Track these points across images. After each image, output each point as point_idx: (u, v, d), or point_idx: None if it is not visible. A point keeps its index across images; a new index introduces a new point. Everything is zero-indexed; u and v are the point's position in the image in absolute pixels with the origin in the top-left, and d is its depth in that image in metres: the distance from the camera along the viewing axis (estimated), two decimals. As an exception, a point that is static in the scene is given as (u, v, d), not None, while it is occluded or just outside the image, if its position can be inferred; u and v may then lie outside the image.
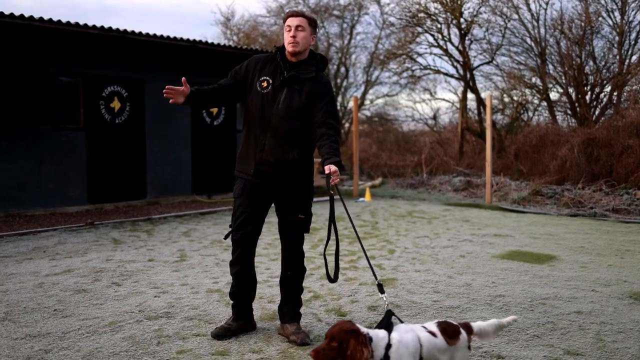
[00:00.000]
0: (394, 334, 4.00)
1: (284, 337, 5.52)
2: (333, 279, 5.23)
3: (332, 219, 5.18)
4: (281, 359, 5.01)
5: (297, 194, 5.51)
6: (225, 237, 5.69)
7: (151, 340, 5.43)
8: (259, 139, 5.39)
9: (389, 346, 3.96)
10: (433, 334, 4.06)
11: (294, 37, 5.36)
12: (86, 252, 9.46)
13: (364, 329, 3.95)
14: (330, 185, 5.02)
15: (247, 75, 5.60)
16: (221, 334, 5.52)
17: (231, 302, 5.76)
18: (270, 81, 5.44)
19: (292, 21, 5.38)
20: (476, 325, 4.15)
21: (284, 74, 5.42)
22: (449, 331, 4.08)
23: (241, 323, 5.66)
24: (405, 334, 4.02)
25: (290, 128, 5.36)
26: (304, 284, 5.83)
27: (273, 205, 5.62)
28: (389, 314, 4.20)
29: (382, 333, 4.02)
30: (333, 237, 5.20)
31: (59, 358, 4.99)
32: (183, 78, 5.50)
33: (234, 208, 5.62)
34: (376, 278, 4.76)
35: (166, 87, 5.32)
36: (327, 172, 5.02)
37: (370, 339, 3.92)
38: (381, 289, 4.58)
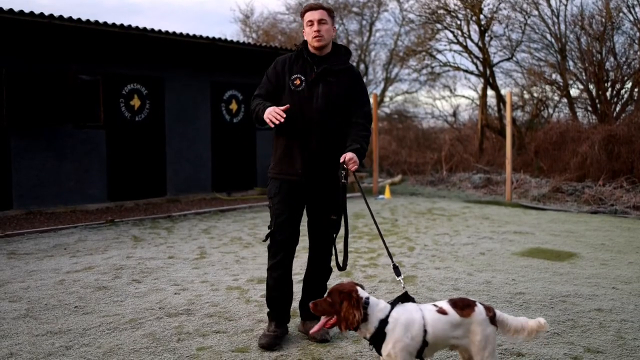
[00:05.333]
0: (394, 312, 3.98)
1: (303, 334, 5.53)
2: (342, 267, 5.13)
3: (343, 208, 5.17)
4: (301, 356, 5.02)
5: (331, 193, 5.31)
6: (265, 239, 5.42)
7: (171, 337, 5.46)
8: (305, 138, 5.22)
9: (385, 322, 3.95)
10: (444, 312, 3.97)
11: (318, 31, 5.20)
12: (106, 249, 9.51)
13: (362, 293, 4.01)
14: (343, 175, 5.01)
15: (278, 76, 5.36)
16: (272, 343, 5.24)
17: (269, 309, 5.55)
18: (303, 78, 5.26)
19: (314, 15, 5.23)
20: (499, 313, 4.05)
21: (315, 69, 5.27)
22: (460, 304, 4.00)
23: (285, 329, 5.48)
24: (410, 313, 3.96)
25: (333, 121, 5.26)
26: None
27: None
28: (405, 295, 4.14)
29: (383, 305, 4.03)
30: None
31: (79, 354, 5.03)
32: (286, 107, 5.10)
33: (271, 209, 5.40)
34: (392, 261, 4.61)
35: (278, 115, 4.98)
36: (341, 160, 4.97)
37: (366, 303, 3.97)
38: (397, 272, 4.46)
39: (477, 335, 3.94)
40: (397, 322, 3.92)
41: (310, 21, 5.23)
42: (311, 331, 4.36)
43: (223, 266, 8.35)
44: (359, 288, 4.04)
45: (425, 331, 3.91)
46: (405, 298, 4.11)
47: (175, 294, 6.92)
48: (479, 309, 3.97)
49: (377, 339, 3.96)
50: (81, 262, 8.59)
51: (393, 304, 4.05)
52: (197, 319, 6.00)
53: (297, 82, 5.26)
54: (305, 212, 5.53)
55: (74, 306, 6.43)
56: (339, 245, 5.31)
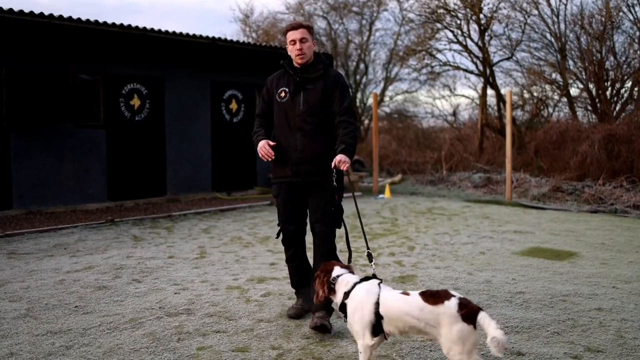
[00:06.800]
0: (357, 287, 4.50)
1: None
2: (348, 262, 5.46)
3: (335, 208, 5.68)
4: (301, 355, 5.02)
5: (327, 188, 5.69)
6: (277, 236, 6.05)
7: (171, 336, 5.46)
8: (290, 142, 5.79)
9: (347, 294, 4.51)
10: (405, 293, 4.27)
11: (300, 49, 5.75)
12: (107, 249, 9.52)
13: (336, 271, 4.67)
14: (335, 177, 5.55)
15: (269, 93, 6.03)
16: (300, 314, 6.02)
17: (294, 290, 6.30)
18: (287, 90, 5.85)
19: (295, 35, 5.76)
20: (484, 316, 3.99)
21: (296, 80, 5.82)
22: (430, 293, 4.17)
23: (310, 306, 5.97)
24: (367, 288, 4.43)
25: (314, 123, 5.75)
26: None
27: None
28: (374, 277, 4.61)
29: (349, 280, 4.59)
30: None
31: (80, 354, 5.03)
32: (271, 143, 5.78)
33: (277, 208, 6.05)
34: (368, 248, 5.16)
35: (268, 153, 5.69)
36: (332, 165, 5.47)
37: (334, 280, 4.63)
38: (370, 258, 5.03)
39: (444, 327, 4.00)
40: (356, 295, 4.44)
41: (293, 40, 5.78)
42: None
43: (223, 266, 8.35)
44: (336, 267, 4.72)
45: (377, 303, 4.30)
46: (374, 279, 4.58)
47: (175, 293, 6.92)
48: (451, 303, 4.01)
49: (343, 308, 4.55)
50: (81, 261, 8.60)
51: (359, 281, 4.56)
52: (197, 318, 6.00)
53: (282, 94, 5.88)
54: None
55: (74, 306, 6.43)
56: (340, 245, 5.36)
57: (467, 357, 3.98)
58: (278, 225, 6.04)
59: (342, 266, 4.76)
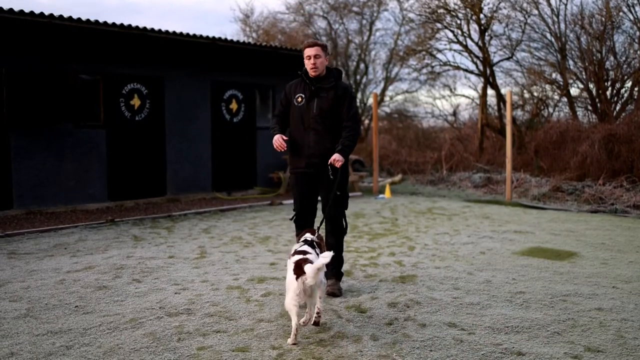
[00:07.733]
0: None
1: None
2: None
3: (341, 192, 6.87)
4: (301, 355, 5.03)
5: (330, 177, 6.78)
6: (291, 218, 7.16)
7: (172, 336, 5.46)
8: (304, 139, 6.92)
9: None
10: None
11: (314, 64, 6.82)
12: (107, 249, 9.52)
13: (305, 236, 6.14)
14: (331, 172, 6.72)
15: (288, 98, 7.11)
16: None
17: None
18: (303, 96, 6.96)
19: (310, 51, 6.84)
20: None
21: (312, 88, 6.91)
22: (297, 252, 5.71)
23: None
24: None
25: (325, 125, 6.88)
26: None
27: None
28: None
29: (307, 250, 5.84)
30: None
31: (80, 354, 5.03)
32: (284, 137, 6.87)
33: (292, 193, 7.22)
34: (320, 224, 6.68)
35: (282, 145, 6.81)
36: (329, 162, 6.67)
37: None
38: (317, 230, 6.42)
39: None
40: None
41: (309, 56, 6.86)
42: None
43: (223, 266, 8.35)
44: (307, 233, 6.20)
45: None
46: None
47: (175, 293, 6.92)
48: (294, 259, 5.49)
49: None
50: (81, 261, 8.60)
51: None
52: (198, 318, 6.00)
53: (299, 99, 6.98)
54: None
55: (75, 306, 6.43)
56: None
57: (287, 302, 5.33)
58: (294, 209, 7.11)
59: (312, 232, 6.21)
